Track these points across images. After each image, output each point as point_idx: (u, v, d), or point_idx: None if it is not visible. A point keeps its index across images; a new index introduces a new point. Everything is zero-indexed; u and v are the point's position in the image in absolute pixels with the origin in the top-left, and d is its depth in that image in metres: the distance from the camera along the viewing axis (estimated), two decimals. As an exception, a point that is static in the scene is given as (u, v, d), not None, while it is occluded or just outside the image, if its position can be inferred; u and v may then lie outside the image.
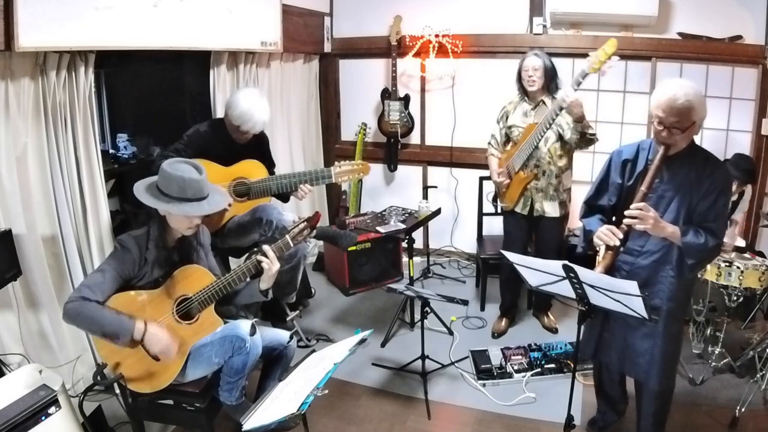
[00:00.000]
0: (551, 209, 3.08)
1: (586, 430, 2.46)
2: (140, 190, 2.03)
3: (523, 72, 3.02)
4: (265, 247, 2.13)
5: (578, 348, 2.13)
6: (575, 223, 3.93)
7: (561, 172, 3.05)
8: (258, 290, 2.20)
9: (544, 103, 3.01)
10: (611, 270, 1.94)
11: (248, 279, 2.15)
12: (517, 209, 3.13)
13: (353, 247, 3.79)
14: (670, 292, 1.99)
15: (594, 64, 2.61)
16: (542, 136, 2.90)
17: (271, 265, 2.12)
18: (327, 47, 4.42)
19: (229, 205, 2.72)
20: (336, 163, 2.86)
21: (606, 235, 1.94)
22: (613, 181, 2.09)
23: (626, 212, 1.89)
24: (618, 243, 1.92)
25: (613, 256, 1.93)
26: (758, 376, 2.64)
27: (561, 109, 2.74)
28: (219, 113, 3.11)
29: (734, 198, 3.32)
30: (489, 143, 3.28)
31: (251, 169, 2.86)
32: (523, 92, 3.08)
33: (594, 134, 2.86)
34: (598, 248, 2.01)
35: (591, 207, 2.18)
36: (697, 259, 1.91)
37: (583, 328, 2.05)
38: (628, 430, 2.44)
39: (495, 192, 3.37)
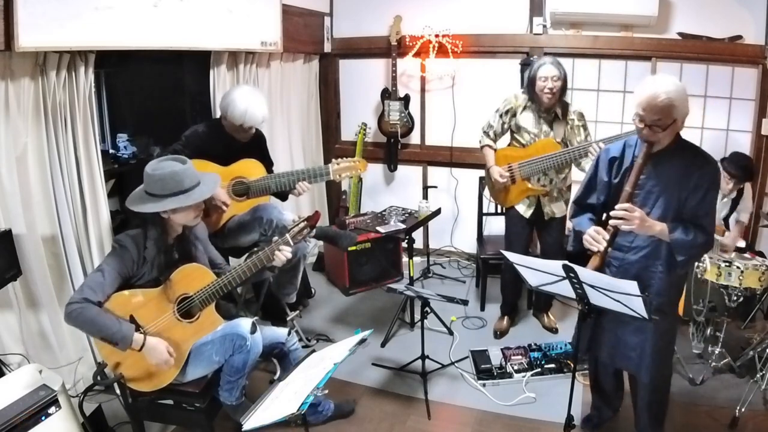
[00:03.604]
0: (558, 209, 3.11)
1: (582, 428, 2.46)
2: (138, 204, 2.00)
3: (538, 81, 2.83)
4: (279, 240, 2.15)
5: (577, 347, 2.13)
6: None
7: (566, 174, 3.10)
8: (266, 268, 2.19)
9: (557, 115, 2.95)
10: (601, 268, 1.94)
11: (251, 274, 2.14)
12: (520, 209, 3.13)
13: (353, 247, 3.79)
14: (659, 288, 2.00)
15: None
16: (560, 165, 2.93)
17: (286, 255, 2.15)
18: (327, 47, 4.42)
19: (226, 205, 2.73)
20: (333, 160, 2.88)
21: (593, 238, 1.95)
22: (601, 180, 2.09)
23: (612, 213, 1.90)
24: (603, 247, 1.92)
25: (602, 257, 1.93)
26: (758, 376, 2.64)
27: (582, 156, 2.84)
28: (219, 113, 3.11)
29: (733, 196, 3.32)
30: (486, 132, 3.14)
31: (250, 168, 2.86)
32: (532, 99, 2.94)
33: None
34: (588, 249, 2.00)
35: (581, 206, 2.18)
36: (687, 255, 1.91)
37: (577, 324, 2.05)
38: (625, 429, 2.44)
39: (486, 185, 3.36)
